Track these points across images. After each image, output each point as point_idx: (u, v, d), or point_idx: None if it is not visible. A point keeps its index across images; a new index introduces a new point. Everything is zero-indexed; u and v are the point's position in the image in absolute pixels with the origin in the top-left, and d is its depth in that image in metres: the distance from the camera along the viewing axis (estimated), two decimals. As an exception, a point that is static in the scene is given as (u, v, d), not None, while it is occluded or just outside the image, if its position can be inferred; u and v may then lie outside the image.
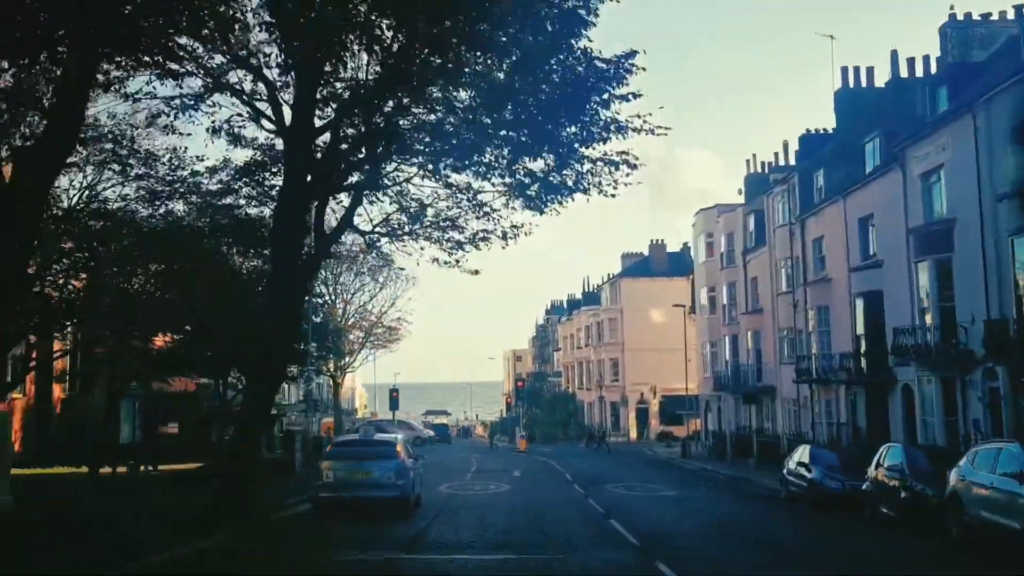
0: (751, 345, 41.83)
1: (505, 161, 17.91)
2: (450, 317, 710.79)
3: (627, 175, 17.62)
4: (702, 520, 18.89)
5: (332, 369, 49.70)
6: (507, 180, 18.67)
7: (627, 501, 22.33)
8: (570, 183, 17.88)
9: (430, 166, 19.40)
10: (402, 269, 51.20)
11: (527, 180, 18.24)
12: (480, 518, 18.30)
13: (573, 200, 18.41)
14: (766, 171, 46.18)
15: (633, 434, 67.69)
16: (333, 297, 48.11)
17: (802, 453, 23.14)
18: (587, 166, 17.56)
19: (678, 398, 68.73)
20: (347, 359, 50.72)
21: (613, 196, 17.88)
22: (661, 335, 68.62)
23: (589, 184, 17.75)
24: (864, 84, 34.97)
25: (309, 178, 17.69)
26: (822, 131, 38.45)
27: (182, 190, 23.34)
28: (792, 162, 40.29)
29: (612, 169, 17.46)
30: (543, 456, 47.24)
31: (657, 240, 72.66)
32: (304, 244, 19.32)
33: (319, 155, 18.14)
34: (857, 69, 35.14)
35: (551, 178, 17.86)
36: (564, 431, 70.20)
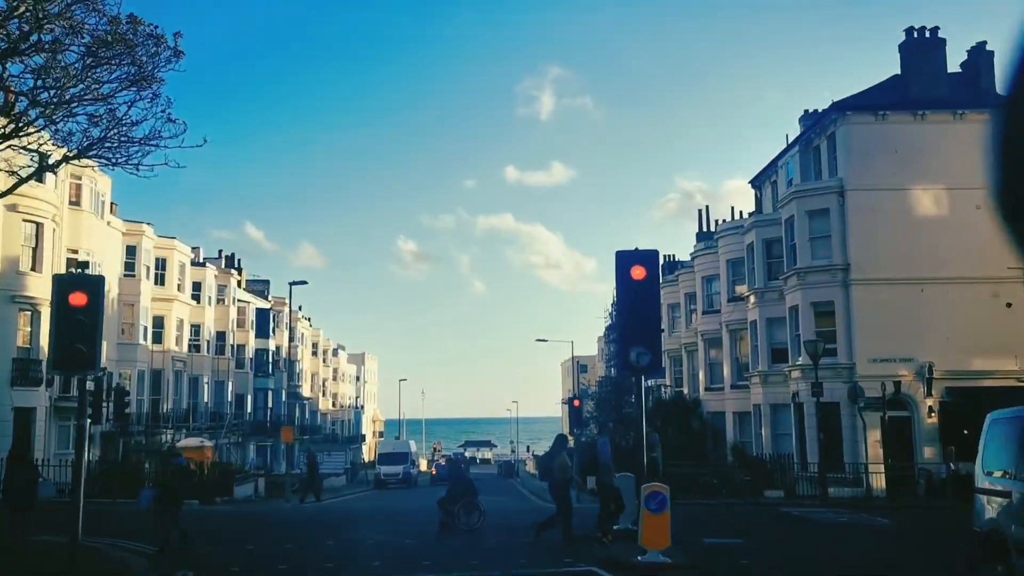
0: None
1: None
2: (500, 353, 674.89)
3: None
4: None
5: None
6: None
7: None
8: None
9: None
10: None
11: None
12: None
13: None
14: None
15: (880, 480, 28.37)
16: None
17: None
18: None
19: (996, 392, 29.70)
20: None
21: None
22: (939, 250, 30.03)
23: None
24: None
25: None
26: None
27: None
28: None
29: None
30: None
31: (921, 29, 32.92)
32: None
33: None
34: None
35: None
36: (710, 476, 31.16)
